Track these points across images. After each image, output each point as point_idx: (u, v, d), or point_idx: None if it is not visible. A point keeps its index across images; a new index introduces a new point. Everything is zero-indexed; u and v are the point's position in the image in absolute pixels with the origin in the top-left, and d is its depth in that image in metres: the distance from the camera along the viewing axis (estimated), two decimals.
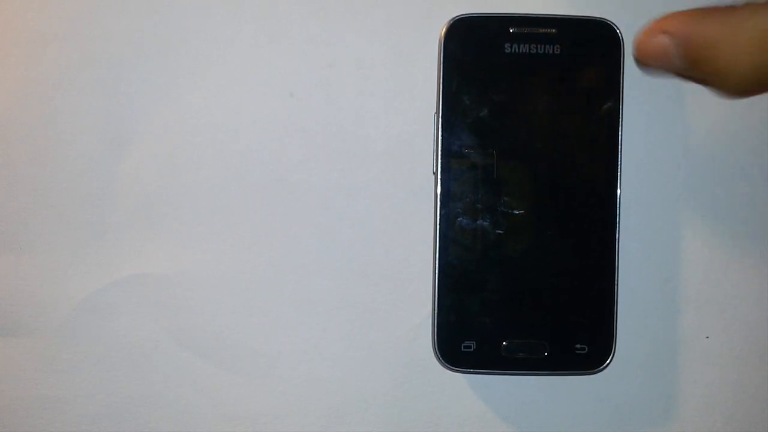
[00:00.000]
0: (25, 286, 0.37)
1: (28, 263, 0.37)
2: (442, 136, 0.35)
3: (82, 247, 0.37)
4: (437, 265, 0.35)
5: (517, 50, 0.35)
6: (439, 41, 0.35)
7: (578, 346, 0.35)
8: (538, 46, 0.34)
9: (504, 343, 0.35)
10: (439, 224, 0.35)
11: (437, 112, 0.35)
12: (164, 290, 0.37)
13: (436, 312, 0.35)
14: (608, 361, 0.35)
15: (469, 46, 0.35)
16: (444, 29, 0.35)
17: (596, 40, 0.35)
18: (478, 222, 0.35)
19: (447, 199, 0.35)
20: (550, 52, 0.34)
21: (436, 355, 0.36)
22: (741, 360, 0.37)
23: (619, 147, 0.35)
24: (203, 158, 0.37)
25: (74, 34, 0.37)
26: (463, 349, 0.35)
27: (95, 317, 0.37)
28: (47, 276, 0.37)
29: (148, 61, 0.37)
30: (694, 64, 0.29)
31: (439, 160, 0.35)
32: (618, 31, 0.35)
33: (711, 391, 0.37)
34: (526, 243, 0.35)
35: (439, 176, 0.35)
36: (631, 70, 0.36)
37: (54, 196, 0.37)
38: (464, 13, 0.35)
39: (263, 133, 0.37)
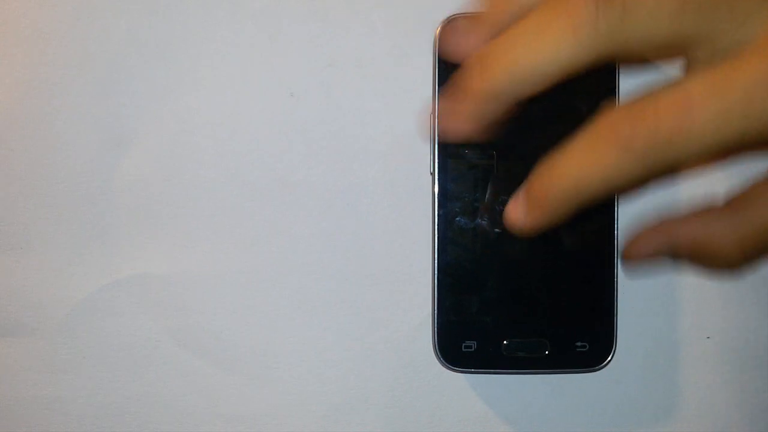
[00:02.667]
0: (25, 286, 0.37)
1: (28, 263, 0.37)
2: (438, 136, 0.35)
3: (82, 247, 0.37)
4: (436, 265, 0.35)
5: None
6: (434, 41, 0.35)
7: (579, 343, 0.35)
8: None
9: (505, 342, 0.35)
10: (438, 224, 0.35)
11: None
12: (164, 290, 0.37)
13: (436, 312, 0.35)
14: (609, 358, 0.35)
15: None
16: (438, 29, 0.35)
17: None
18: (476, 221, 0.35)
19: (445, 199, 0.35)
20: None
21: (437, 355, 0.36)
22: (741, 360, 0.37)
23: None
24: (203, 158, 0.37)
25: (74, 34, 0.37)
26: (463, 349, 0.35)
27: (95, 317, 0.37)
28: (47, 276, 0.37)
29: (148, 61, 0.37)
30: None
31: (436, 161, 0.35)
32: None
33: (711, 391, 0.37)
34: (525, 241, 0.35)
35: (436, 176, 0.35)
36: (626, 68, 0.36)
37: (54, 196, 0.37)
38: (458, 12, 0.35)
39: (263, 133, 0.37)
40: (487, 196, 0.35)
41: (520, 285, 0.35)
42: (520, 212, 0.29)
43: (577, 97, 0.35)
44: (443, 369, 0.37)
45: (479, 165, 0.35)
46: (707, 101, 0.24)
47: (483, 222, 0.35)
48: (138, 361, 0.37)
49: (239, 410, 0.38)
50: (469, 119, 0.29)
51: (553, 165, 0.27)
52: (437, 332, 0.35)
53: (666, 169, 0.25)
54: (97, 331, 0.37)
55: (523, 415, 0.37)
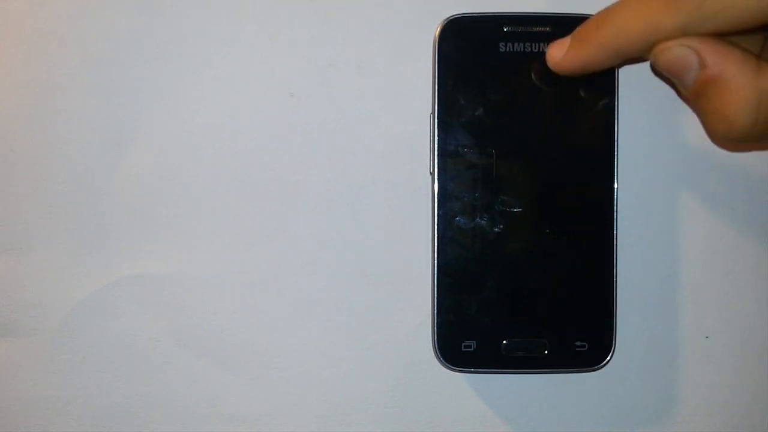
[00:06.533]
0: (25, 286, 0.37)
1: (28, 263, 0.37)
2: (438, 136, 0.35)
3: (82, 247, 0.37)
4: (436, 265, 0.35)
5: (511, 49, 0.35)
6: (434, 41, 0.35)
7: (578, 343, 0.35)
8: (533, 44, 0.35)
9: (504, 341, 0.35)
10: (437, 224, 0.35)
11: (432, 113, 0.35)
12: (164, 290, 0.37)
13: (435, 312, 0.35)
14: (608, 358, 0.35)
15: (463, 45, 0.35)
16: (438, 29, 0.35)
17: None
18: (476, 221, 0.35)
19: (444, 198, 0.35)
20: (545, 50, 0.35)
21: (437, 355, 0.36)
22: (741, 360, 0.37)
23: (615, 144, 0.35)
24: (203, 158, 0.37)
25: (74, 34, 0.37)
26: (463, 349, 0.35)
27: (95, 317, 0.37)
28: (47, 276, 0.37)
29: (148, 61, 0.37)
30: (702, 91, 0.30)
31: (436, 160, 0.35)
32: None
33: (711, 391, 0.37)
34: (525, 241, 0.35)
35: (435, 176, 0.35)
36: (625, 67, 0.36)
37: (54, 196, 0.37)
38: (458, 13, 0.35)
39: (263, 133, 0.37)
40: (486, 195, 0.35)
41: (519, 285, 0.35)
42: (562, 49, 0.32)
43: (575, 96, 0.35)
44: (443, 369, 0.37)
45: (479, 165, 0.35)
46: None
47: (483, 222, 0.35)
48: (138, 361, 0.37)
49: (239, 410, 0.38)
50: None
51: (605, 13, 0.31)
52: (437, 332, 0.35)
53: (707, 31, 0.28)
54: (97, 331, 0.37)
55: (523, 414, 0.37)
